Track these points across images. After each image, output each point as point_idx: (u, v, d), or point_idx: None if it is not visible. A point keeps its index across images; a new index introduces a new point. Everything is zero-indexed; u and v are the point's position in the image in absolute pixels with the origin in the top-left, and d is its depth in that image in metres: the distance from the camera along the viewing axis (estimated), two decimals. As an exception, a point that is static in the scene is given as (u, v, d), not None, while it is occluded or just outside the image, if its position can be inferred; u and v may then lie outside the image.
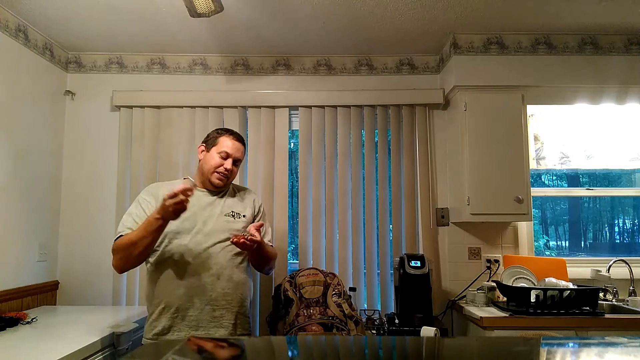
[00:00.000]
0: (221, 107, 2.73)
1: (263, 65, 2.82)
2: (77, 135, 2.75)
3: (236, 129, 2.68)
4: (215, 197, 1.90)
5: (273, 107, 2.74)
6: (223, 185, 1.89)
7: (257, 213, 1.99)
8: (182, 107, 2.72)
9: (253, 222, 1.92)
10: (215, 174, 1.85)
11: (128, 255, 1.69)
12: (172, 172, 2.65)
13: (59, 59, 2.69)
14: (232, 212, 1.88)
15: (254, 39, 2.58)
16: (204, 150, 1.91)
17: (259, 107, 2.73)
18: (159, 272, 1.78)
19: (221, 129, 1.95)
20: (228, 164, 1.85)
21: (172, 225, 1.71)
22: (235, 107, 2.72)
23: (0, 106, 2.23)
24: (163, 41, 2.62)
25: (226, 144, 1.87)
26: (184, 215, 1.70)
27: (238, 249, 1.78)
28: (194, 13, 1.94)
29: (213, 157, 1.86)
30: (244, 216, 1.90)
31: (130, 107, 2.72)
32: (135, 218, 1.77)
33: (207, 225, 1.81)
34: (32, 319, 2.03)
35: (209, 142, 1.91)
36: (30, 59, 2.44)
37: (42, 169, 2.54)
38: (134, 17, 2.33)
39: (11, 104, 2.30)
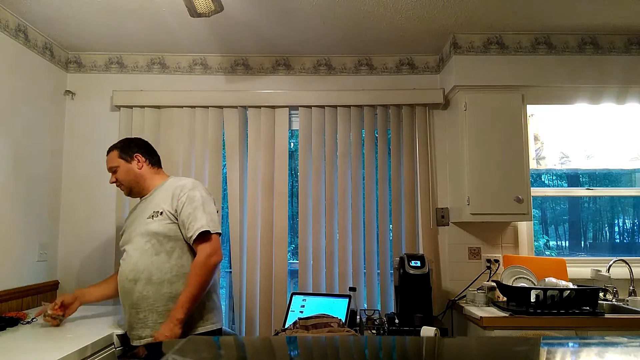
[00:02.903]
0: (221, 107, 2.73)
1: (263, 65, 2.82)
2: (77, 135, 2.75)
3: (236, 129, 2.70)
4: (146, 202, 1.98)
5: (273, 107, 2.74)
6: (129, 194, 2.04)
7: (177, 206, 1.87)
8: (182, 107, 2.72)
9: (175, 214, 1.87)
10: (118, 186, 2.04)
11: None
12: (172, 172, 2.64)
13: (59, 59, 2.69)
14: (154, 212, 1.89)
15: (254, 38, 2.58)
16: None
17: (259, 107, 2.73)
18: None
19: None
20: (110, 178, 2.02)
21: (121, 239, 2.00)
22: (235, 107, 2.72)
23: (0, 106, 2.23)
24: (163, 41, 2.62)
25: None
26: (126, 229, 1.98)
27: (160, 250, 1.85)
28: (194, 13, 1.94)
29: None
30: (160, 212, 1.86)
31: (130, 107, 2.72)
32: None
33: (134, 232, 1.91)
34: (32, 319, 2.03)
35: None
36: (30, 59, 2.45)
37: (42, 169, 2.54)
38: (134, 17, 2.33)
39: (11, 104, 2.30)
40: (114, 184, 2.03)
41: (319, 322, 1.96)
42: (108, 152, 2.03)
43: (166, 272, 1.84)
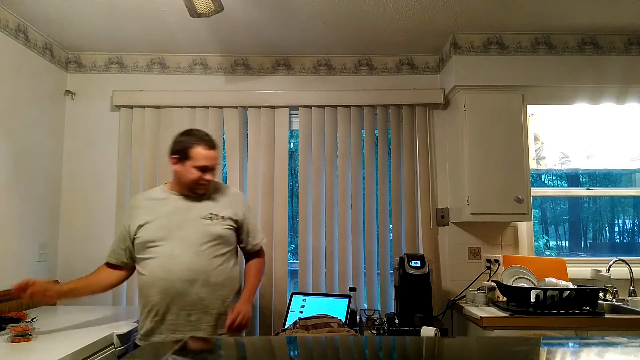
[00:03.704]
0: (221, 107, 2.73)
1: (263, 65, 2.82)
2: (77, 135, 2.75)
3: (236, 129, 2.69)
4: (193, 201, 1.88)
5: (273, 107, 2.74)
6: (203, 192, 1.89)
7: (243, 216, 1.95)
8: (182, 107, 2.72)
9: (237, 224, 1.91)
10: (196, 185, 1.85)
11: None
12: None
13: (59, 59, 2.69)
14: (210, 214, 1.85)
15: (254, 39, 2.58)
16: (177, 163, 1.84)
17: (259, 107, 2.73)
18: (142, 278, 1.83)
19: (192, 137, 1.85)
20: (208, 175, 1.84)
21: (147, 234, 1.82)
22: (235, 107, 2.72)
23: (0, 106, 2.23)
24: (163, 41, 2.62)
25: (201, 156, 1.81)
26: (157, 224, 1.82)
27: (217, 252, 1.83)
28: (194, 13, 1.94)
29: (190, 172, 1.81)
30: (222, 217, 1.87)
31: (130, 107, 2.72)
32: (116, 239, 1.95)
33: (182, 231, 1.81)
34: (32, 319, 2.03)
35: (182, 154, 1.83)
36: (30, 59, 2.44)
37: (42, 169, 2.54)
38: (134, 17, 2.33)
39: (11, 104, 2.30)
40: (204, 183, 1.85)
41: (319, 322, 1.96)
42: (213, 146, 1.85)
43: (220, 274, 1.83)
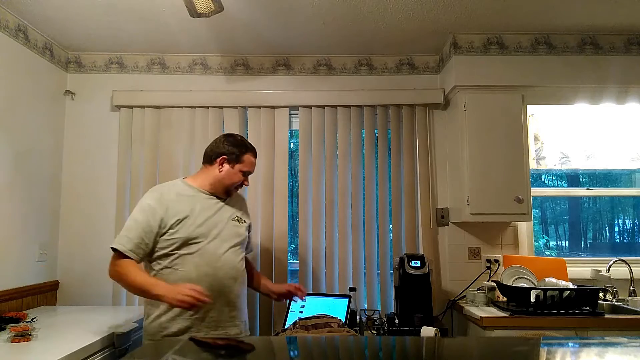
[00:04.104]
0: (221, 107, 2.73)
1: (263, 65, 2.82)
2: (77, 135, 2.75)
3: (236, 129, 2.70)
4: (222, 202, 1.92)
5: (273, 107, 2.74)
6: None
7: (250, 220, 2.08)
8: (182, 107, 2.72)
9: (249, 230, 2.02)
10: (234, 189, 1.93)
11: (124, 286, 1.78)
12: (172, 172, 2.65)
13: (59, 59, 2.69)
14: (237, 216, 1.94)
15: (254, 39, 2.58)
16: (225, 163, 1.87)
17: (259, 107, 2.73)
18: (176, 275, 1.75)
19: (242, 143, 1.92)
20: (248, 180, 1.94)
21: (188, 229, 1.77)
22: (235, 107, 2.72)
23: (1, 106, 2.23)
24: (163, 41, 2.62)
25: (250, 162, 1.92)
26: (196, 221, 1.80)
27: (242, 254, 1.91)
28: (194, 13, 1.94)
29: (237, 175, 1.88)
30: (244, 221, 1.97)
31: (130, 107, 2.72)
32: (141, 233, 1.74)
33: (218, 229, 1.85)
34: (32, 319, 2.03)
35: (233, 157, 1.87)
36: (30, 59, 2.44)
37: (42, 169, 2.54)
38: (134, 17, 2.33)
39: (11, 104, 2.30)
40: (241, 186, 1.94)
41: (319, 322, 1.96)
42: (256, 155, 1.96)
43: (245, 274, 1.93)
